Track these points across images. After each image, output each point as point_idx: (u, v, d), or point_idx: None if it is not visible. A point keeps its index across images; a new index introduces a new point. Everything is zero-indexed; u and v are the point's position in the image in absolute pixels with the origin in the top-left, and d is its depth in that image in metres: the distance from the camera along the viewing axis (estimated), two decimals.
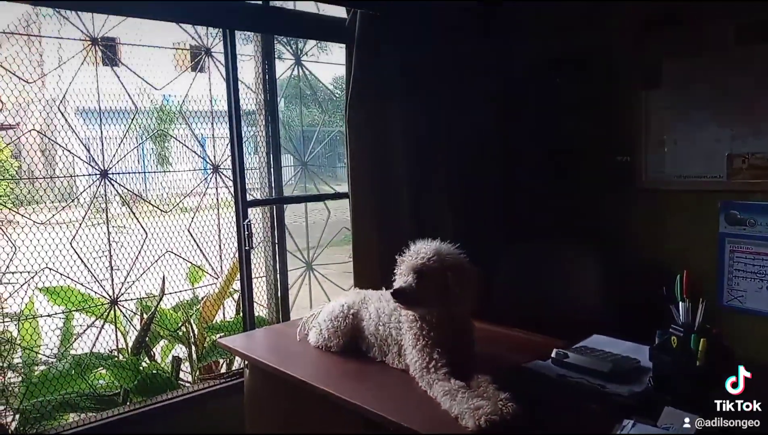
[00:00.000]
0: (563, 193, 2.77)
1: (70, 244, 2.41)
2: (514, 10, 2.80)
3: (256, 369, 2.03)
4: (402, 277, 1.66)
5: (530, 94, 2.81)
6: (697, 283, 1.42)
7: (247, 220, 2.47)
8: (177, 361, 2.61)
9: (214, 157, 2.68)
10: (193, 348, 2.67)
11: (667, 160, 2.53)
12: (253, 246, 2.50)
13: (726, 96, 2.33)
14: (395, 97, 2.62)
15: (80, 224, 2.40)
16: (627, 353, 1.64)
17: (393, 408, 1.51)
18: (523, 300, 2.37)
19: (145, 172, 2.60)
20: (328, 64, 3.11)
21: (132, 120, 2.51)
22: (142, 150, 2.66)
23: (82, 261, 2.41)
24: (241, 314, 2.56)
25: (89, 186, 2.40)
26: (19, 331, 2.36)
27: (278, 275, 2.68)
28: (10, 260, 2.24)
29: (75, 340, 2.46)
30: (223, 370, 2.75)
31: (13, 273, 2.30)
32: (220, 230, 2.75)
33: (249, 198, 2.53)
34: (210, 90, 2.65)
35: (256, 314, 2.61)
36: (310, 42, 2.95)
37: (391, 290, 1.63)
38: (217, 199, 2.72)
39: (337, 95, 3.12)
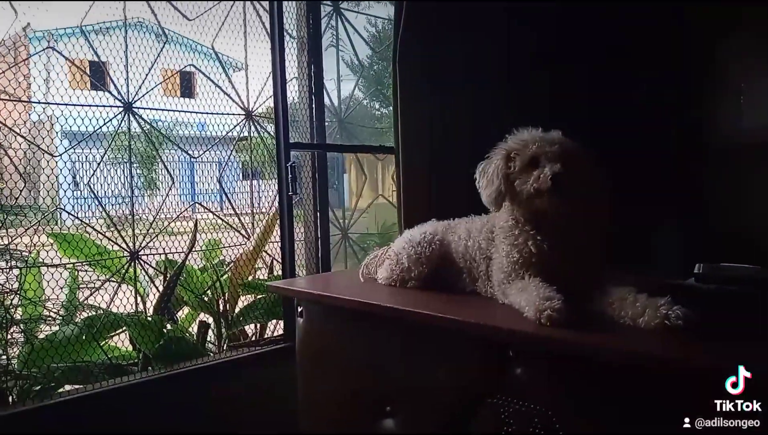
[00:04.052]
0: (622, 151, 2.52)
1: (87, 184, 2.10)
2: None
3: (317, 313, 1.73)
4: (541, 166, 1.32)
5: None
6: None
7: (291, 162, 2.19)
8: (204, 326, 2.27)
9: (248, 99, 2.41)
10: (221, 313, 2.33)
11: (745, 112, 2.33)
12: (297, 192, 2.22)
13: None
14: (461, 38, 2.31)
15: (100, 161, 2.10)
16: None
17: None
18: None
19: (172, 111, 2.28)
20: (366, 15, 2.89)
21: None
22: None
23: (101, 204, 2.10)
24: (281, 270, 2.24)
25: (111, 118, 2.10)
26: (21, 285, 2.00)
27: (319, 232, 2.38)
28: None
29: (91, 295, 2.11)
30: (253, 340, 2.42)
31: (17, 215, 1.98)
32: (252, 183, 2.47)
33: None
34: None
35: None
36: None
37: (551, 175, 1.29)
38: (250, 149, 2.44)
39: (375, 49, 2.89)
